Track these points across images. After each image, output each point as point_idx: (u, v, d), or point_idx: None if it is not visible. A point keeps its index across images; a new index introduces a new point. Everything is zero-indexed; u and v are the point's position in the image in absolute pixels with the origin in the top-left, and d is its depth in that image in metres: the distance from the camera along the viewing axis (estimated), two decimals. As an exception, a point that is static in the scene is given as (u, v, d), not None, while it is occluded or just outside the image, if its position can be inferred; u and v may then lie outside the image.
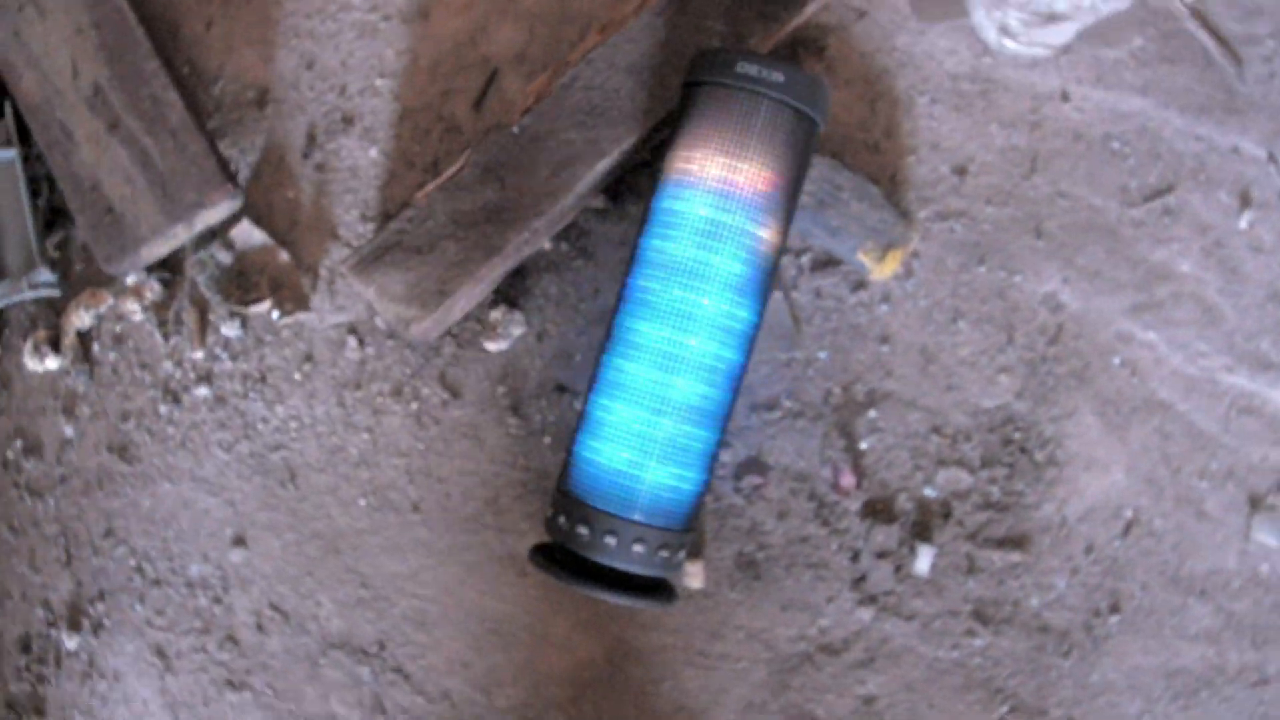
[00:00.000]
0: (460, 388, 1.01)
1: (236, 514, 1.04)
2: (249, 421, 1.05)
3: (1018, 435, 0.95)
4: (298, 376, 1.04)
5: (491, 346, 0.99)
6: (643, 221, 0.88)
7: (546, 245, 1.01)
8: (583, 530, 0.83)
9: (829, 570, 0.95)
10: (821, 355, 0.98)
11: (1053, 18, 0.91)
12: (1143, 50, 0.99)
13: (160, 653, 1.05)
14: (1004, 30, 0.94)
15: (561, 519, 0.85)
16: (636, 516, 0.83)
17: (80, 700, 1.08)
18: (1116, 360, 0.95)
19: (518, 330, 0.99)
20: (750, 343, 0.87)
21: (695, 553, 0.96)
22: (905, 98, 1.00)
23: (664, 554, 0.85)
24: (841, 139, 0.99)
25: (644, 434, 0.83)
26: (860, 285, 0.98)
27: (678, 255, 0.84)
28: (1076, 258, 0.97)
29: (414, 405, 1.01)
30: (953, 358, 0.97)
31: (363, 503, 1.01)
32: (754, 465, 0.96)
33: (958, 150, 0.99)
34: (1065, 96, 0.98)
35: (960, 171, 0.99)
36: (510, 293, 1.01)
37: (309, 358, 1.04)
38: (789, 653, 0.95)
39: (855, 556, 0.95)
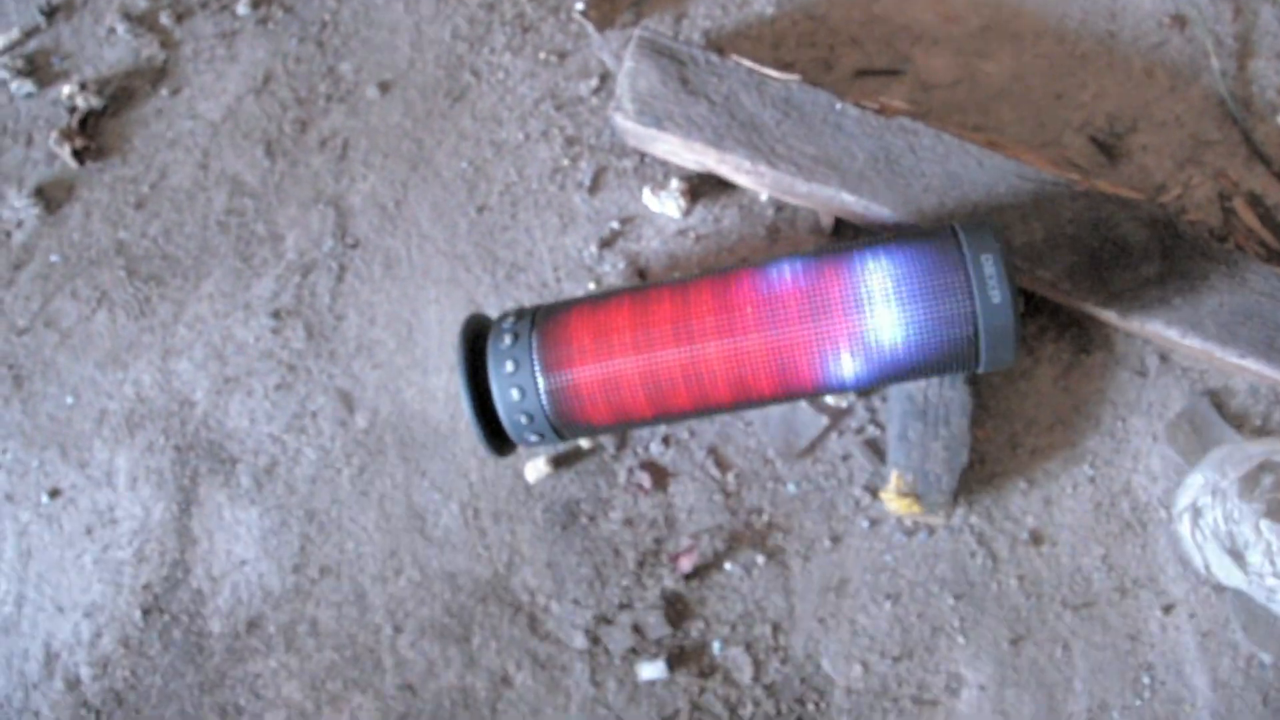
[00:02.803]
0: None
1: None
2: None
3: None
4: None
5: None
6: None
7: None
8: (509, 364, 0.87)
9: (609, 573, 0.97)
10: (791, 487, 0.98)
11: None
12: None
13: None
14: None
15: (507, 339, 0.88)
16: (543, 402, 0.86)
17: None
18: None
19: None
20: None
21: (557, 463, 1.00)
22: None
23: (533, 436, 0.89)
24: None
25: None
26: (871, 491, 0.97)
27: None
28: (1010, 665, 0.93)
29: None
30: (846, 622, 0.95)
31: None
32: (654, 469, 0.98)
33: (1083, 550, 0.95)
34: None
35: (1037, 540, 0.95)
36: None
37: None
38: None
39: (627, 603, 0.97)
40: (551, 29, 1.13)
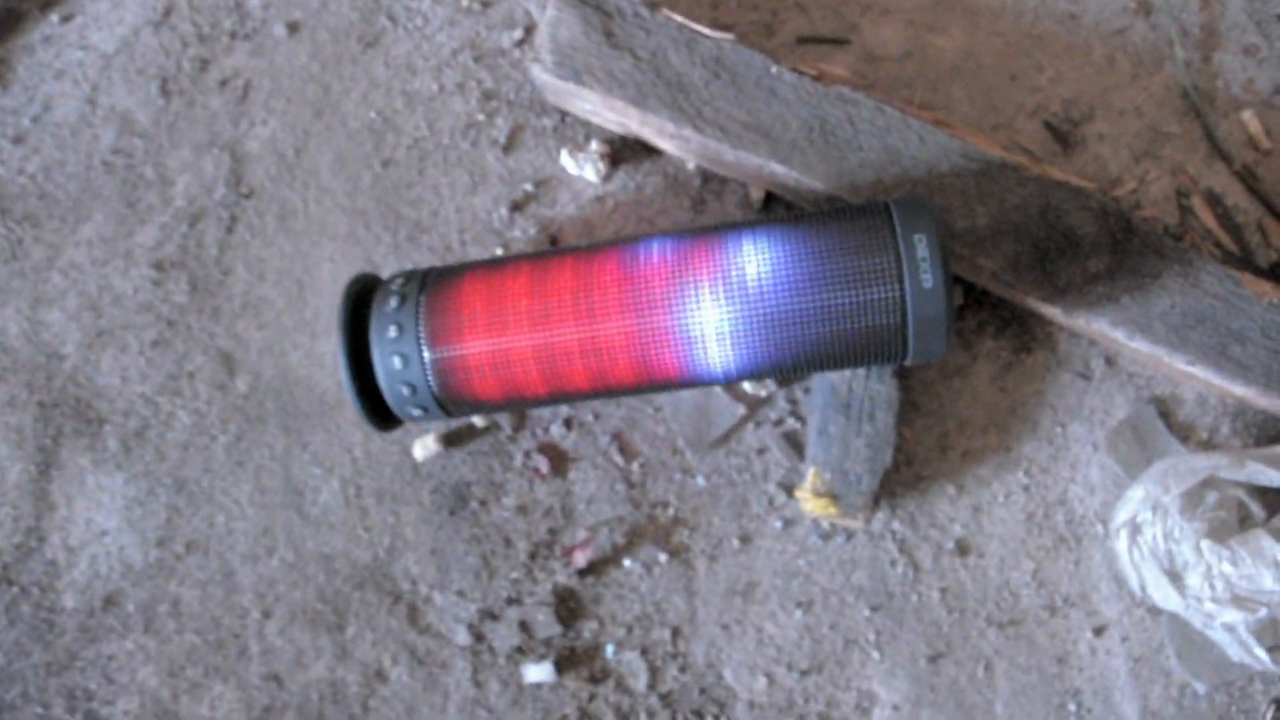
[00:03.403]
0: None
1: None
2: None
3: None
4: None
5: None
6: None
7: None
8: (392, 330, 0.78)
9: (497, 564, 0.89)
10: (700, 480, 0.90)
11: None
12: None
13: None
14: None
15: (393, 301, 0.80)
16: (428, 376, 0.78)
17: None
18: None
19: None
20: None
21: (448, 441, 0.91)
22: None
23: (416, 410, 0.80)
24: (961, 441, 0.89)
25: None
26: (786, 489, 0.89)
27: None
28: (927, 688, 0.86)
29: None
30: (753, 629, 0.88)
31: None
32: (554, 453, 0.90)
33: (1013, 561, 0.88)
34: (1087, 613, 0.86)
35: (963, 550, 0.88)
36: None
37: None
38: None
39: (516, 598, 0.89)
40: (479, -25, 1.05)
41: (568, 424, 0.92)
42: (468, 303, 0.78)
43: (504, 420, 0.92)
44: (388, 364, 0.79)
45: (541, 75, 0.91)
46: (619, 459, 0.91)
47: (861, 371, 0.87)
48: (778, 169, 0.87)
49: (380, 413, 0.82)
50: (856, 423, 0.86)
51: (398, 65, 1.02)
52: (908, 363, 0.78)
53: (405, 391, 0.79)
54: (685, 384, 0.79)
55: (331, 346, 0.95)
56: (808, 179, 0.86)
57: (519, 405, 0.82)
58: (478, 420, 0.91)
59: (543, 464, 0.90)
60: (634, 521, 0.90)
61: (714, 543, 0.89)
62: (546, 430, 0.92)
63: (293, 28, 1.04)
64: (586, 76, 0.89)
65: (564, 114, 0.98)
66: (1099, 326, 0.87)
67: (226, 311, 0.97)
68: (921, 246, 0.74)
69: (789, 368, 0.77)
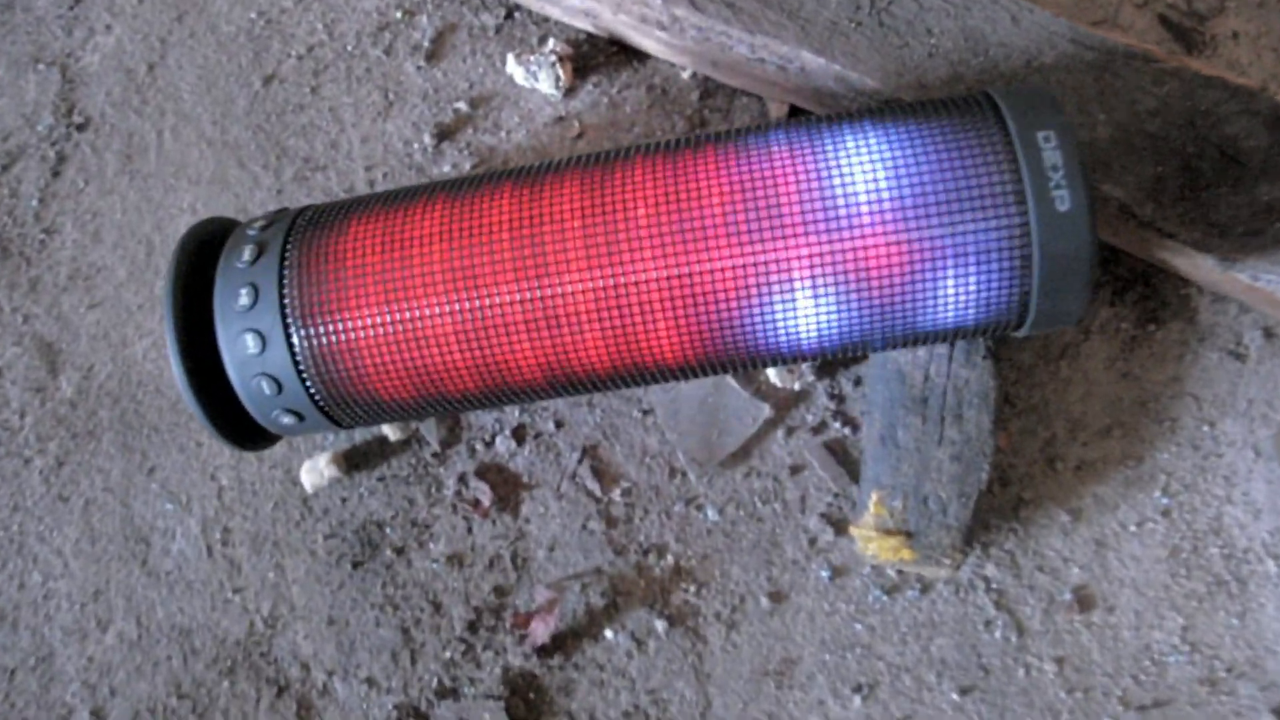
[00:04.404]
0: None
1: None
2: None
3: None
4: None
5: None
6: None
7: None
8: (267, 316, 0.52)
9: (423, 638, 0.63)
10: (710, 513, 0.63)
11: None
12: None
13: None
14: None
15: (247, 253, 0.54)
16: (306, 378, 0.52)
17: None
18: None
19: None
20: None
21: (351, 464, 0.65)
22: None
23: (285, 417, 0.54)
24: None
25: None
26: (834, 523, 0.63)
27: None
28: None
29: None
30: (794, 696, 0.61)
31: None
32: (500, 477, 0.64)
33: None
34: None
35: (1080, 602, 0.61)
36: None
37: None
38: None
39: (451, 687, 0.62)
40: None
41: (518, 435, 0.65)
42: (355, 253, 0.52)
43: (428, 431, 0.65)
44: (237, 347, 0.52)
45: (476, -56, 0.64)
46: (593, 485, 0.64)
47: (941, 350, 0.60)
48: (811, 62, 0.61)
49: (240, 421, 0.56)
50: (937, 425, 0.59)
51: (286, -51, 0.75)
52: (1024, 331, 0.52)
53: (266, 388, 0.53)
54: (750, 360, 0.52)
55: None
56: (855, 75, 0.60)
57: (441, 407, 0.56)
58: (389, 432, 0.64)
59: (484, 493, 0.63)
60: (617, 575, 0.63)
61: (733, 603, 0.63)
62: (489, 444, 0.65)
63: (145, -94, 0.77)
64: (538, -62, 0.62)
65: (511, 6, 0.71)
66: (1267, 283, 0.61)
67: (49, 285, 0.70)
68: (1049, 150, 0.48)
69: (877, 341, 0.51)
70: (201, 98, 0.72)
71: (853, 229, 0.48)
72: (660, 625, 0.62)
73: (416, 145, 0.69)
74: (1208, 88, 0.61)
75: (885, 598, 0.62)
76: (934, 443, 0.59)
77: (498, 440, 0.65)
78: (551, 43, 0.68)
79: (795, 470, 0.64)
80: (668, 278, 0.49)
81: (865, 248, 0.48)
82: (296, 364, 0.52)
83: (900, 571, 0.62)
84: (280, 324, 0.51)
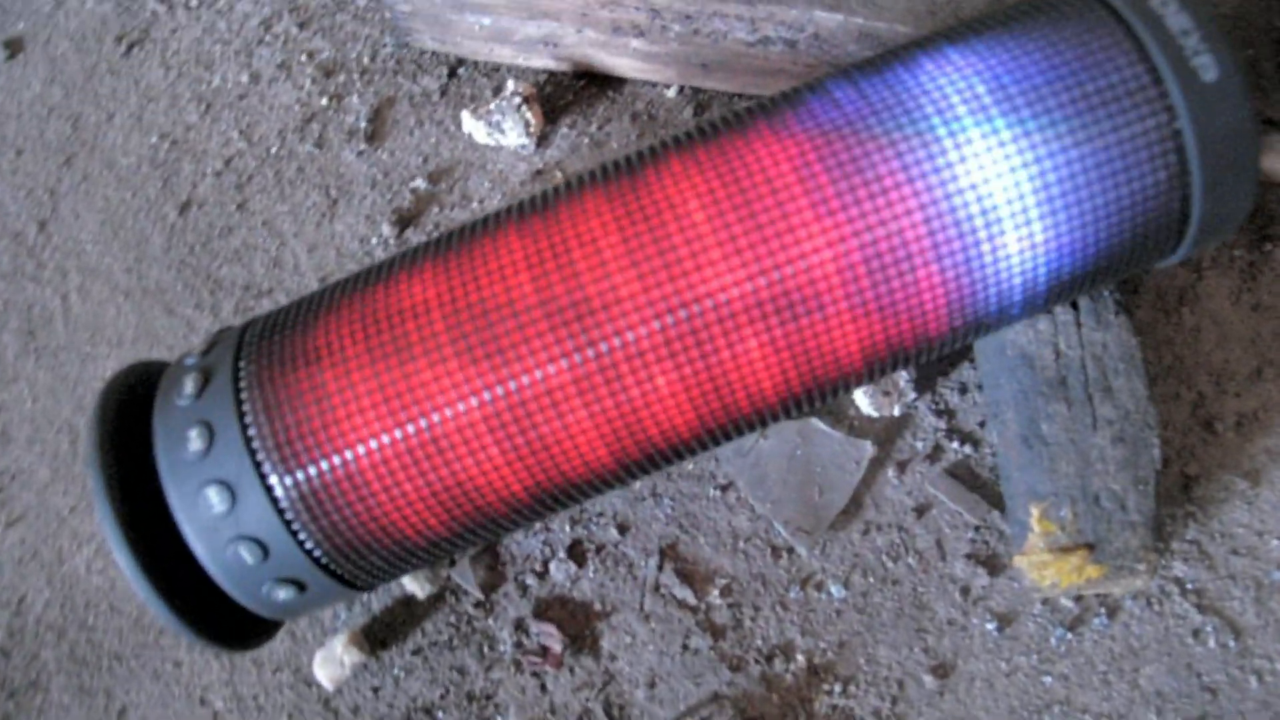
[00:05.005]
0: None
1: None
2: None
3: None
4: None
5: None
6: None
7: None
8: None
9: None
10: (834, 589, 0.50)
11: None
12: None
13: None
14: None
15: (189, 385, 0.42)
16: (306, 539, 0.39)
17: None
18: None
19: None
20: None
21: (375, 642, 0.50)
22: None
23: (280, 591, 0.40)
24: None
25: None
26: (985, 562, 0.50)
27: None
28: None
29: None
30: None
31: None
32: (566, 611, 0.49)
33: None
34: None
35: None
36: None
37: None
38: None
39: None
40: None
41: (576, 555, 0.51)
42: (332, 349, 0.39)
43: (463, 577, 0.51)
44: (198, 507, 0.39)
45: (407, 2, 0.55)
46: (683, 592, 0.50)
47: (1065, 317, 0.49)
48: (826, 23, 0.51)
49: (223, 612, 0.42)
50: (1086, 407, 0.47)
51: (183, 61, 0.65)
52: (1183, 250, 0.41)
53: (247, 556, 0.39)
54: (800, 399, 0.40)
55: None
56: (883, 24, 0.51)
57: (480, 530, 0.42)
58: (414, 587, 0.50)
59: (551, 637, 0.49)
60: (741, 695, 0.49)
61: (891, 693, 0.48)
62: (542, 574, 0.51)
63: (12, 47, 0.67)
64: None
65: (454, 65, 0.61)
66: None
67: (-47, 509, 0.56)
68: (1173, 14, 0.38)
69: (1081, 276, 0.40)
70: (108, 245, 0.60)
71: (966, 169, 0.37)
72: (815, 751, 0.47)
73: (375, 239, 0.58)
74: (1271, -36, 0.53)
75: (1070, 635, 0.49)
76: (1088, 428, 0.47)
77: (552, 567, 0.51)
78: (511, 84, 0.58)
79: (921, 511, 0.51)
80: (750, 285, 0.37)
81: (982, 183, 0.37)
82: (281, 514, 0.39)
83: (1078, 598, 0.49)
84: (250, 465, 0.38)
